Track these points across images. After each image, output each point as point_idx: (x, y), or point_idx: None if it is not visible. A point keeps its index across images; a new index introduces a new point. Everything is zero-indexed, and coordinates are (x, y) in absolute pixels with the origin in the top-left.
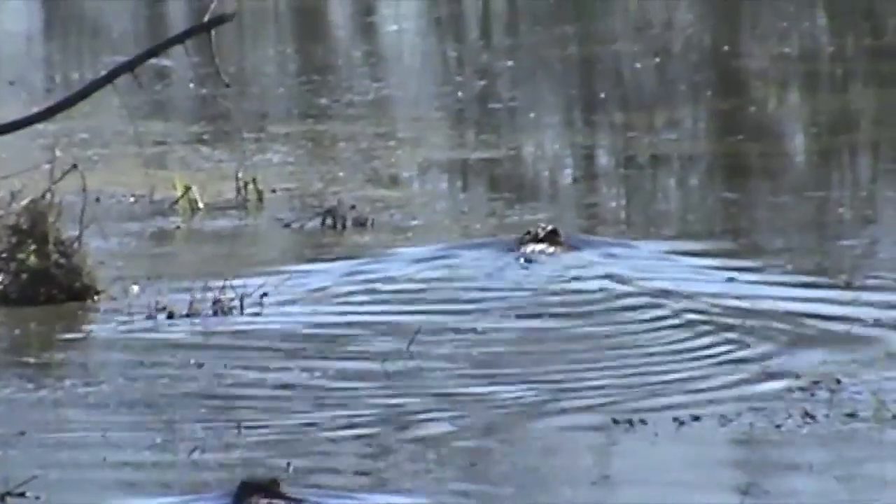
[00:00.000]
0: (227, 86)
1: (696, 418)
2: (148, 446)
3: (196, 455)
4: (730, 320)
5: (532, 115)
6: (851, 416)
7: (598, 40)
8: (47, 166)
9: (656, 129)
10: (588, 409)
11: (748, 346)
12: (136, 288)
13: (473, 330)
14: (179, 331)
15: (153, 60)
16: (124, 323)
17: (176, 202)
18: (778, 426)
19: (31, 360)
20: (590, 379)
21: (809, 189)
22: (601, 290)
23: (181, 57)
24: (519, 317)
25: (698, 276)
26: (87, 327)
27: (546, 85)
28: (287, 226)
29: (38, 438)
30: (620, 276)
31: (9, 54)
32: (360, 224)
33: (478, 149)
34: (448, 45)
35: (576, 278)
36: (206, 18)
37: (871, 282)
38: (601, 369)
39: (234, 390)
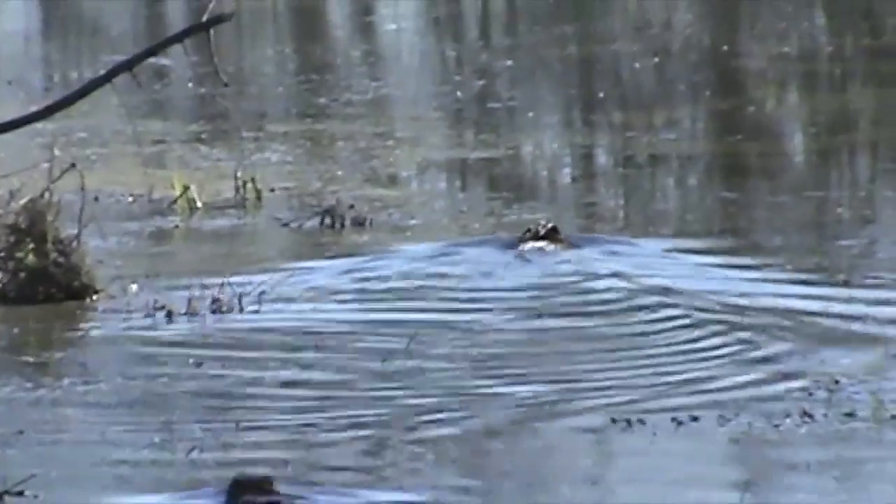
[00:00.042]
0: (226, 85)
1: (695, 418)
2: (146, 445)
3: (194, 454)
4: (729, 319)
5: (531, 114)
6: (850, 415)
7: (597, 40)
8: (46, 165)
9: (655, 128)
10: (587, 407)
11: (747, 345)
12: (134, 287)
13: (473, 329)
14: (178, 330)
15: (152, 60)
16: (123, 322)
17: (174, 201)
18: (776, 426)
19: (30, 358)
20: (588, 378)
21: (808, 189)
22: (601, 288)
23: (180, 56)
24: (519, 315)
25: (697, 274)
26: (85, 326)
27: (545, 85)
28: (285, 225)
29: (36, 437)
30: (620, 274)
31: (7, 54)
32: (359, 223)
33: (476, 148)
34: (447, 44)
35: (576, 276)
36: (204, 18)
37: (869, 281)
38: (600, 368)
39: (232, 389)
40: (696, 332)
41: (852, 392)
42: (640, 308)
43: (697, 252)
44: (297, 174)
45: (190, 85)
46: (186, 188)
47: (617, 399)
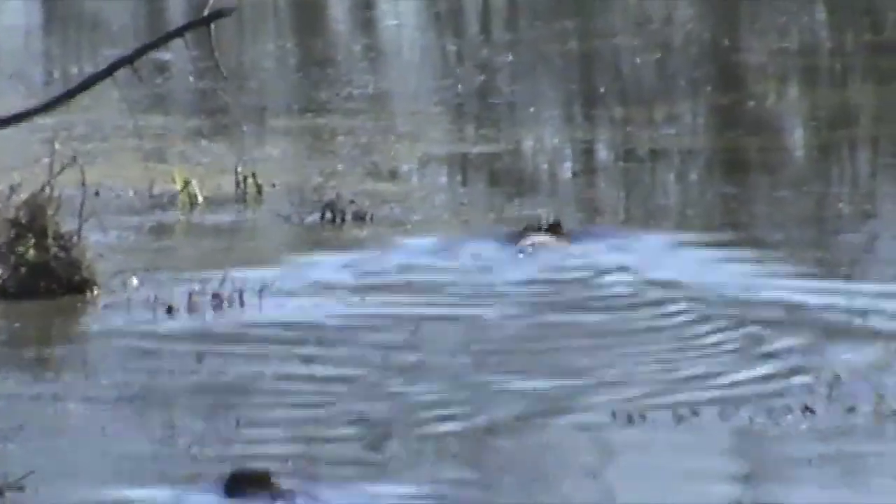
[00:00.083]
0: (226, 79)
1: (696, 413)
2: (147, 440)
3: (195, 449)
4: (730, 314)
5: (532, 109)
6: (851, 410)
7: (597, 35)
8: (46, 160)
9: (656, 123)
10: (588, 402)
11: (748, 339)
12: (135, 281)
13: (475, 323)
14: (178, 324)
15: (153, 54)
16: (123, 316)
17: (176, 196)
18: (777, 420)
19: (30, 353)
20: (590, 373)
21: (809, 183)
22: (604, 283)
23: (181, 50)
24: (520, 309)
25: (699, 269)
26: (86, 321)
27: (546, 79)
28: (286, 220)
29: (36, 432)
30: (624, 268)
31: (7, 48)
32: (360, 218)
33: (477, 143)
34: (448, 39)
35: (578, 270)
36: (205, 12)
37: (870, 276)
38: (602, 363)
39: (233, 383)
40: (698, 327)
41: (854, 387)
42: (642, 302)
43: (699, 247)
44: (298, 169)
45: (191, 79)
46: (187, 183)
47: (618, 394)
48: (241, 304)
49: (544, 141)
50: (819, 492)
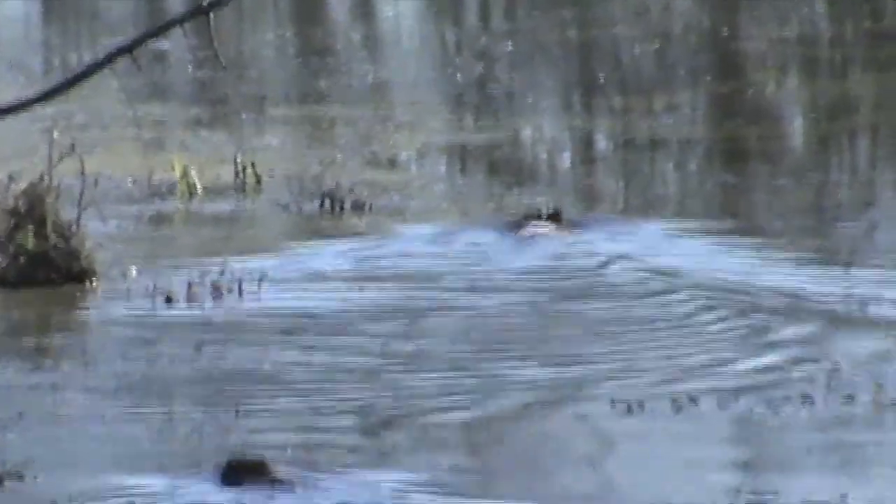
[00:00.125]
0: (224, 68)
1: (695, 401)
2: (146, 428)
3: (194, 437)
4: (730, 303)
5: (531, 98)
6: (850, 399)
7: (597, 24)
8: (46, 149)
9: (655, 112)
10: (588, 391)
11: (748, 328)
12: (134, 271)
13: (474, 312)
14: (178, 313)
15: (152, 43)
16: (122, 305)
17: (175, 186)
18: (776, 410)
19: (30, 342)
20: (589, 362)
21: (809, 172)
22: (604, 271)
23: (180, 40)
24: (520, 298)
25: (699, 258)
26: (85, 310)
27: (545, 69)
28: (285, 209)
29: (35, 421)
30: (623, 257)
31: (7, 38)
32: (359, 207)
33: (477, 132)
34: (447, 28)
35: (578, 259)
36: (204, 1)
37: (870, 264)
38: (601, 352)
39: (231, 372)
40: (698, 316)
41: (853, 376)
42: (642, 291)
43: (699, 236)
44: (297, 158)
45: (190, 69)
46: (186, 172)
47: (618, 383)
48: (240, 293)
49: (543, 130)
50: (818, 481)
